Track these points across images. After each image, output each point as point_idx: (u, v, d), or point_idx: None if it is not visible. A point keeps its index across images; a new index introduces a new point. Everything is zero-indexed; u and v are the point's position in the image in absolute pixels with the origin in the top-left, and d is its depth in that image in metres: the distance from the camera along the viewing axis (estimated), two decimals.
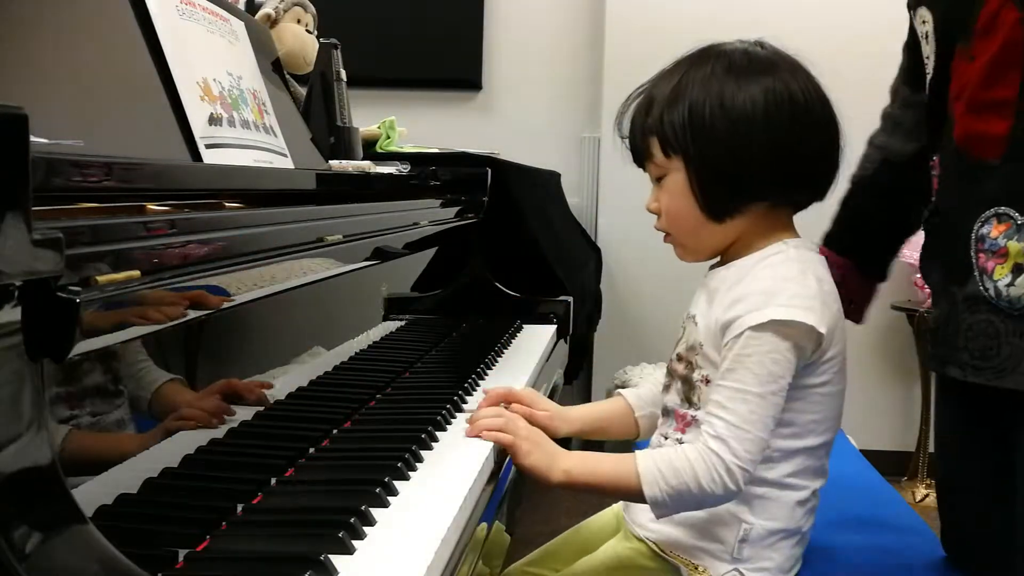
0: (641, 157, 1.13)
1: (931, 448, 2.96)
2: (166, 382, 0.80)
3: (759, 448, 1.00)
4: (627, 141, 1.14)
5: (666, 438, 1.13)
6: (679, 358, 1.12)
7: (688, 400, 1.10)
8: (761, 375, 1.00)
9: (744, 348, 1.01)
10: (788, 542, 1.08)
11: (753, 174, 1.05)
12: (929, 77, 1.18)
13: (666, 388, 1.15)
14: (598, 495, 1.10)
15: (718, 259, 1.14)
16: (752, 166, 1.04)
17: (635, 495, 1.03)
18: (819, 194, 1.11)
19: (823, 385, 1.06)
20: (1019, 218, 1.03)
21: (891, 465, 2.77)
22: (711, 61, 1.07)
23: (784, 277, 1.04)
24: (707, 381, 1.07)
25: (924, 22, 1.17)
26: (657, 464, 1.02)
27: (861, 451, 1.71)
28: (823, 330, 1.02)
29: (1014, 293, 1.03)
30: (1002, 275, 1.04)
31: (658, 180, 1.11)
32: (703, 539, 1.08)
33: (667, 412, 1.14)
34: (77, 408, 0.68)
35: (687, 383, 1.10)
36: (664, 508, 1.03)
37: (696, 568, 1.07)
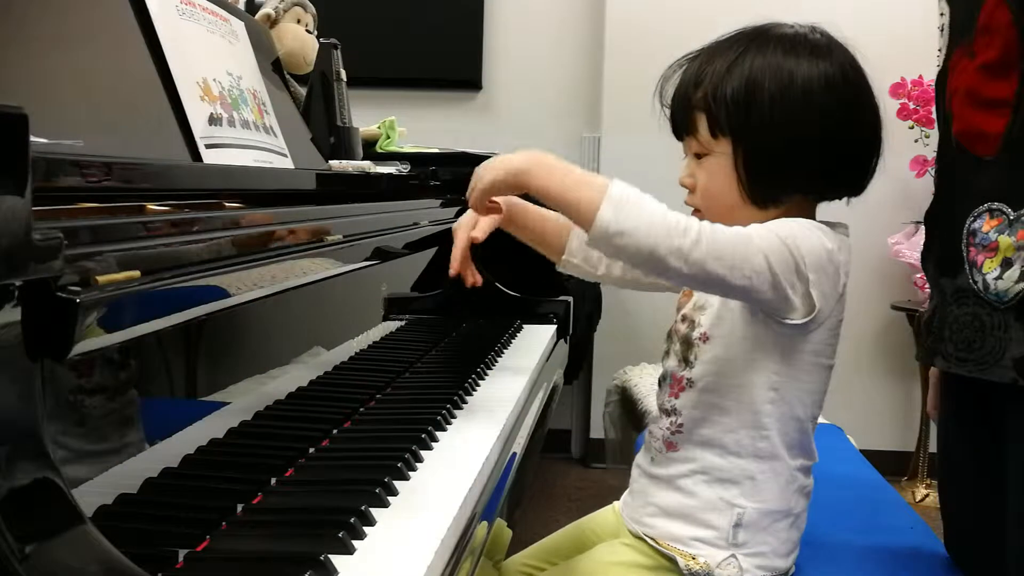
0: (681, 130, 1.11)
1: (931, 448, 2.96)
2: None
3: (728, 244, 0.97)
4: (667, 110, 1.12)
5: (661, 407, 1.14)
6: (683, 318, 1.13)
7: (685, 360, 1.11)
8: (753, 229, 0.99)
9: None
10: (783, 524, 1.08)
11: (803, 161, 1.05)
12: (938, 71, 1.19)
13: (665, 354, 1.16)
14: (555, 200, 1.02)
15: None
16: (804, 153, 1.04)
17: (591, 207, 0.96)
18: (859, 187, 1.11)
19: (814, 354, 1.06)
20: (1011, 213, 1.04)
21: (891, 465, 2.77)
22: (771, 41, 1.06)
23: (810, 226, 1.04)
24: (706, 339, 1.08)
25: (942, 14, 1.18)
26: (639, 192, 0.98)
27: (861, 451, 1.71)
28: (812, 276, 0.99)
29: (1001, 287, 1.04)
30: (991, 268, 1.05)
31: (697, 156, 1.10)
32: (697, 527, 1.08)
33: (663, 380, 1.15)
34: (84, 404, 0.68)
35: (686, 343, 1.11)
36: (608, 225, 0.95)
37: (693, 558, 1.08)
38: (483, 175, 1.08)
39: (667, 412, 1.12)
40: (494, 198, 1.15)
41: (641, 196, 0.98)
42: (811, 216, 1.11)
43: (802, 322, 1.03)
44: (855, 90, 1.07)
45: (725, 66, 1.06)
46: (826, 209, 1.13)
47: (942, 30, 1.18)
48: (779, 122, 1.04)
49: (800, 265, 1.00)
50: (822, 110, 1.04)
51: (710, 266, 0.96)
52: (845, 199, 1.13)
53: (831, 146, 1.05)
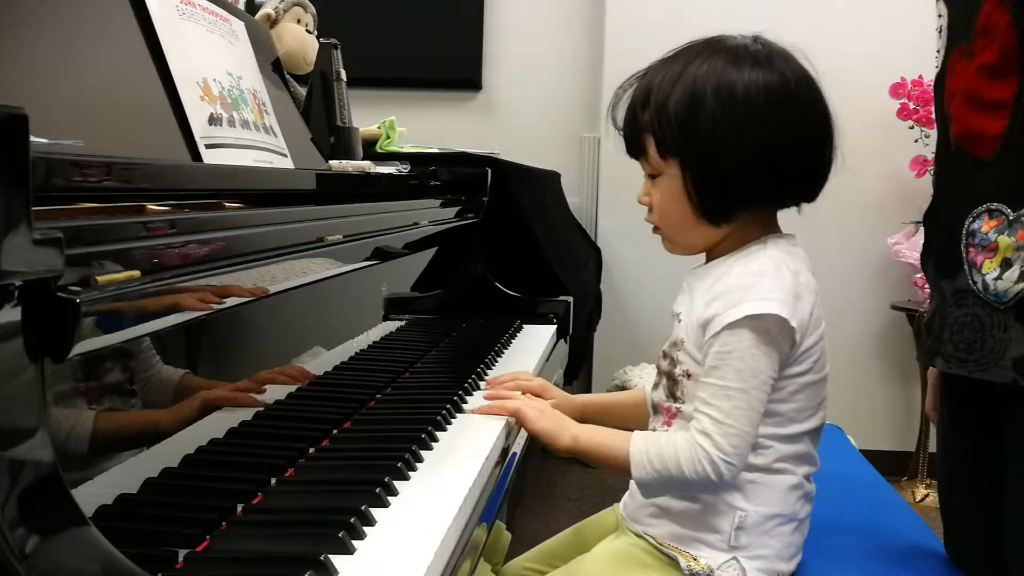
0: (636, 151, 1.12)
1: (931, 448, 2.96)
2: (181, 377, 0.81)
3: (744, 442, 1.02)
4: (621, 132, 1.13)
5: (654, 431, 1.14)
6: (664, 355, 1.14)
7: (672, 395, 1.12)
8: (742, 370, 1.02)
9: (723, 346, 1.03)
10: (785, 528, 1.09)
11: (751, 177, 1.05)
12: (936, 72, 1.19)
13: (655, 386, 1.17)
14: (597, 464, 1.16)
15: (703, 256, 1.15)
16: (750, 168, 1.05)
17: (627, 472, 1.08)
18: (811, 195, 1.11)
19: (801, 375, 1.07)
20: (1011, 214, 1.04)
21: (891, 465, 2.78)
22: (714, 55, 1.06)
23: (757, 272, 1.05)
24: (688, 375, 1.09)
25: (940, 15, 1.18)
26: (647, 447, 1.06)
27: (861, 451, 1.71)
28: (795, 324, 1.03)
29: (1001, 287, 1.04)
30: (990, 269, 1.05)
31: (651, 176, 1.11)
32: (699, 530, 1.08)
33: (655, 408, 1.16)
34: (95, 404, 0.68)
35: (671, 379, 1.12)
36: (649, 489, 1.08)
37: (695, 559, 1.08)
38: (535, 425, 1.17)
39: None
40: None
41: (654, 461, 1.05)
42: (771, 225, 1.12)
43: (792, 349, 1.05)
44: (797, 99, 1.06)
45: (669, 83, 1.06)
46: (817, 210, 1.13)
47: (940, 31, 1.18)
48: (723, 137, 1.04)
49: (777, 336, 1.03)
50: (764, 121, 1.04)
51: (742, 457, 1.03)
52: (797, 207, 1.13)
53: (777, 158, 1.05)
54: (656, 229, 1.15)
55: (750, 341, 1.02)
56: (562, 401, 1.31)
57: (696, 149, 1.05)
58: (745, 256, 1.08)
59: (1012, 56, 1.04)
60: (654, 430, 1.15)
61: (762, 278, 1.04)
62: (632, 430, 1.15)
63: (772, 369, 1.03)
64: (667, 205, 1.10)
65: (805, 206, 1.13)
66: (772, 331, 1.02)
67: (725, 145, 1.04)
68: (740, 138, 1.04)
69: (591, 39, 3.38)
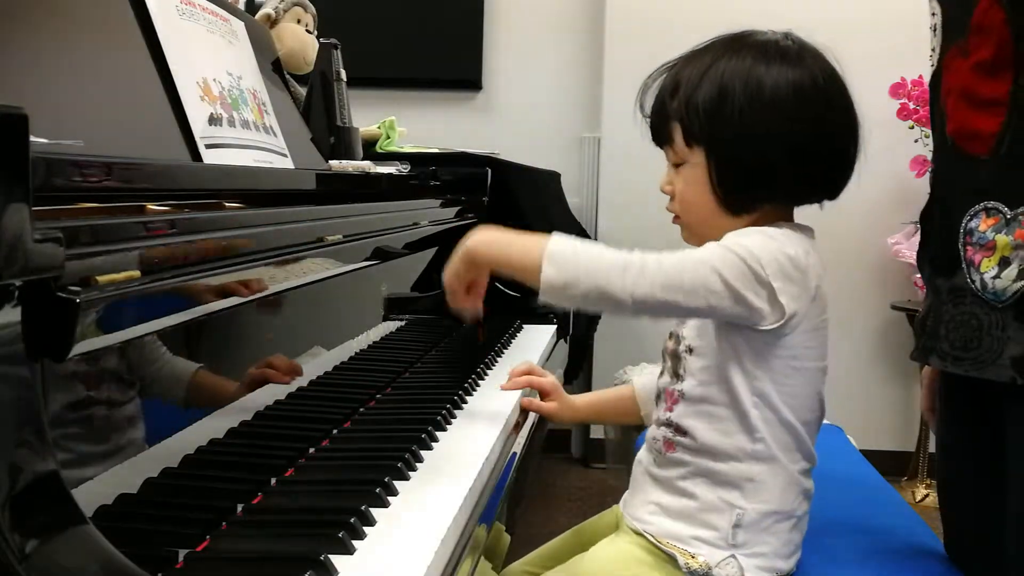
0: (660, 139, 1.13)
1: (931, 448, 2.96)
2: (196, 372, 0.83)
3: (676, 271, 1.00)
4: (648, 120, 1.14)
5: (657, 421, 1.15)
6: (670, 335, 1.15)
7: (676, 374, 1.12)
8: (706, 249, 1.02)
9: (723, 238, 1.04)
10: (783, 525, 1.09)
11: (774, 171, 1.06)
12: (932, 71, 1.19)
13: (661, 373, 1.17)
14: (518, 269, 1.07)
15: None
16: (774, 161, 1.05)
17: (534, 270, 1.02)
18: (834, 193, 1.12)
19: (791, 358, 1.06)
20: (1008, 212, 1.04)
21: (891, 465, 2.78)
22: (744, 49, 1.08)
23: (768, 235, 1.04)
24: (691, 351, 1.09)
25: (934, 14, 1.18)
26: (578, 243, 1.03)
27: (861, 451, 1.71)
28: (777, 283, 1.00)
29: (999, 285, 1.04)
30: (989, 267, 1.05)
31: (675, 165, 1.12)
32: (697, 527, 1.08)
33: (659, 397, 1.16)
34: (93, 390, 0.68)
35: (675, 357, 1.12)
36: (553, 281, 1.01)
37: (693, 557, 1.08)
38: (447, 268, 1.13)
39: (665, 424, 1.13)
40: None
41: (578, 246, 1.02)
42: (788, 215, 1.12)
43: (774, 327, 1.03)
44: (825, 97, 1.07)
45: (698, 75, 1.08)
46: (817, 210, 1.13)
47: (934, 29, 1.18)
48: (749, 130, 1.05)
49: (760, 273, 1.01)
50: (791, 117, 1.05)
51: (660, 296, 1.00)
52: (819, 204, 1.13)
53: (801, 154, 1.06)
54: (676, 219, 1.15)
55: (750, 241, 1.02)
56: (563, 406, 1.33)
57: (722, 138, 1.06)
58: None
59: (1007, 54, 1.04)
60: (657, 419, 1.15)
61: (769, 240, 1.03)
62: (629, 424, 1.15)
63: (751, 278, 1.00)
64: (689, 193, 1.11)
65: (804, 207, 1.13)
66: (761, 269, 1.01)
67: (750, 138, 1.05)
68: (766, 132, 1.05)
69: (591, 39, 3.38)
